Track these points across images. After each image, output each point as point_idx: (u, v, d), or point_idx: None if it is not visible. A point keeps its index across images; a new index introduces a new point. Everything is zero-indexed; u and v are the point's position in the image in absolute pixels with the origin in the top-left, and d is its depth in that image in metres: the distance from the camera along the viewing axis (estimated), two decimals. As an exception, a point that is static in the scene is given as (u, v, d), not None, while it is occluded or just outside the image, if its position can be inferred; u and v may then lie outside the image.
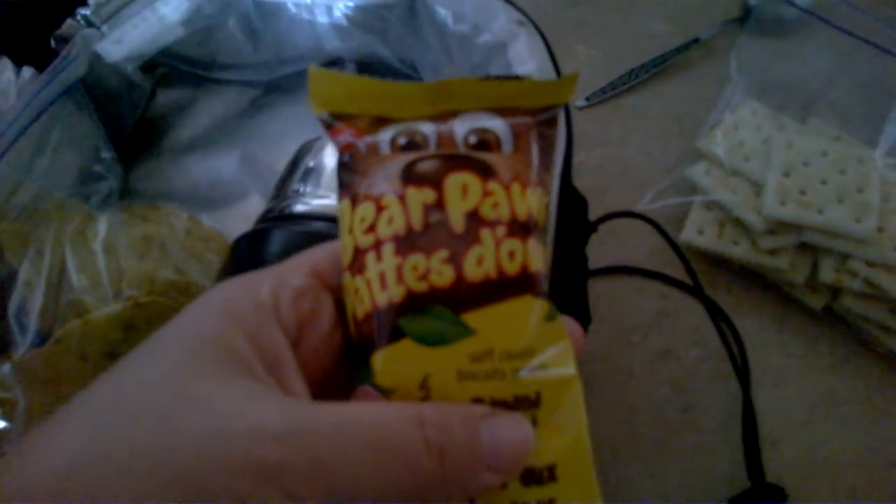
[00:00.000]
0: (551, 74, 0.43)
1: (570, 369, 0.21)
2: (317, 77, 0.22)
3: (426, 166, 0.21)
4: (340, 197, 0.23)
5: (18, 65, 0.48)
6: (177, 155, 0.53)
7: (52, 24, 0.48)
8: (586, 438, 0.21)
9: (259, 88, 0.57)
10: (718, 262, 0.57)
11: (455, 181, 0.21)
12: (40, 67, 0.47)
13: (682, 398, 0.51)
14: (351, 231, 0.22)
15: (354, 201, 0.22)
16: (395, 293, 0.21)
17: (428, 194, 0.21)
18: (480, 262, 0.21)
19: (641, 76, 0.68)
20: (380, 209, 0.21)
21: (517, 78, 0.23)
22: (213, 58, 0.55)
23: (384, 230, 0.21)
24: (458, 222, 0.21)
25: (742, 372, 0.51)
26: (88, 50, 0.48)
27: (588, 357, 0.52)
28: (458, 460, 0.19)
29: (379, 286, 0.21)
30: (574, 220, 0.43)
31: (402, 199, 0.21)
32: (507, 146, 0.22)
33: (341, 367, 0.24)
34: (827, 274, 0.52)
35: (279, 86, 0.56)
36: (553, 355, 0.21)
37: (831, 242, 0.51)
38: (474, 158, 0.22)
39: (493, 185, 0.21)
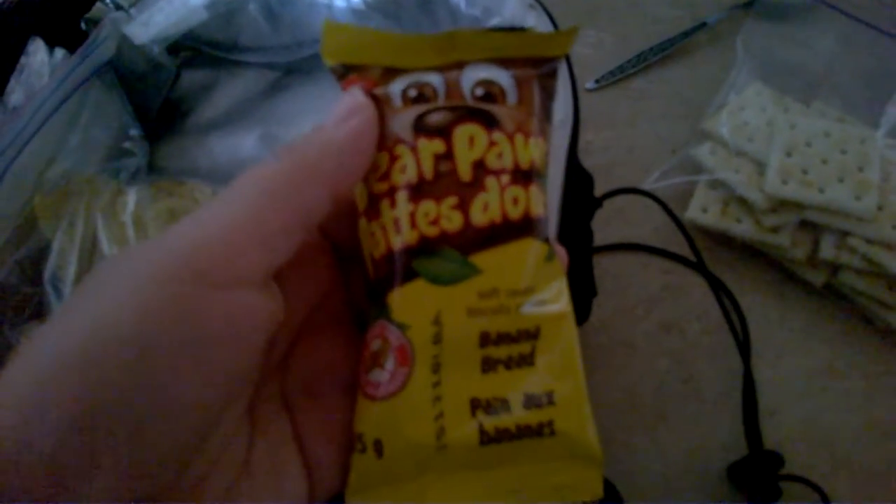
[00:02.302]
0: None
1: (564, 305, 0.23)
2: (330, 29, 0.23)
3: (436, 118, 0.23)
4: None
5: (51, 46, 0.50)
6: (200, 134, 0.55)
7: (82, 8, 0.50)
8: (579, 367, 0.23)
9: (279, 70, 0.58)
10: (722, 240, 0.58)
11: (462, 132, 0.23)
12: (71, 49, 0.49)
13: (683, 370, 0.53)
14: (366, 179, 0.23)
15: None
16: (409, 237, 0.22)
17: (438, 145, 0.23)
18: (486, 208, 0.22)
19: (649, 59, 0.69)
20: (393, 158, 0.23)
21: (520, 29, 0.24)
22: (234, 40, 0.57)
23: (398, 178, 0.23)
24: (465, 171, 0.23)
25: (743, 345, 0.52)
26: (117, 32, 0.50)
27: (593, 329, 0.54)
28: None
29: (394, 230, 0.22)
30: (580, 196, 0.45)
31: (414, 149, 0.23)
32: (512, 97, 0.23)
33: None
34: (827, 251, 0.53)
35: (298, 68, 0.58)
36: (551, 293, 0.23)
37: (832, 220, 0.53)
38: (480, 110, 0.23)
39: (497, 136, 0.23)
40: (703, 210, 0.57)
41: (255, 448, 0.22)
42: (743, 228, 0.56)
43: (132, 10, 0.51)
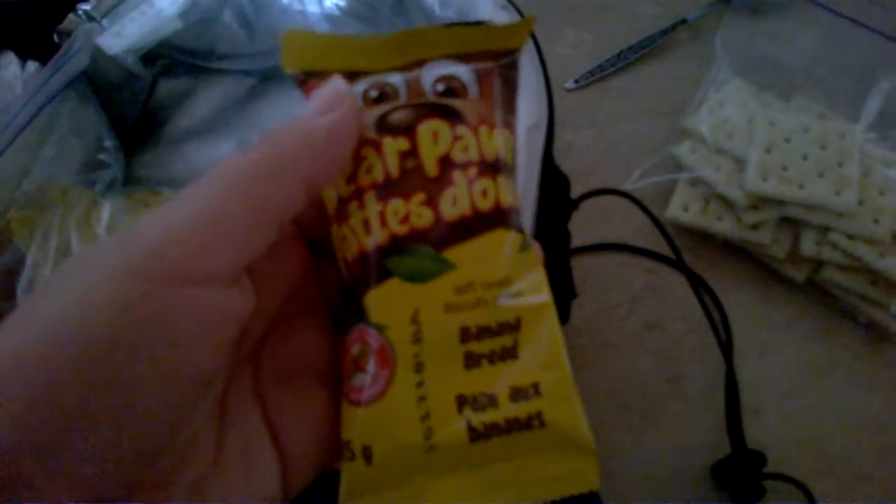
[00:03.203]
0: (534, 56, 0.44)
1: (544, 296, 0.23)
2: (289, 37, 0.23)
3: (398, 116, 0.23)
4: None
5: (23, 59, 0.50)
6: (177, 143, 0.55)
7: (54, 20, 0.50)
8: (564, 357, 0.23)
9: (256, 77, 0.58)
10: (703, 238, 0.58)
11: (426, 128, 0.23)
12: (44, 61, 0.49)
13: (666, 369, 0.53)
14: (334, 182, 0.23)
15: None
16: (380, 237, 0.22)
17: (402, 143, 0.23)
18: (455, 202, 0.22)
19: (629, 58, 0.69)
20: (359, 160, 0.23)
21: (477, 23, 0.24)
22: (210, 49, 0.57)
23: (364, 179, 0.23)
24: (431, 167, 0.22)
25: (725, 344, 0.52)
26: (90, 43, 0.50)
27: (575, 330, 0.54)
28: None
29: (364, 231, 0.22)
30: (556, 198, 0.45)
31: (378, 148, 0.23)
32: (473, 91, 0.24)
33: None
34: (808, 247, 0.53)
35: (275, 74, 0.58)
36: (528, 283, 0.23)
37: (812, 216, 0.52)
38: (442, 105, 0.23)
39: (461, 130, 0.23)
40: (683, 208, 0.57)
41: (225, 440, 0.21)
42: (724, 226, 0.56)
43: (105, 21, 0.51)
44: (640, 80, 0.69)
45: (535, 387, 0.22)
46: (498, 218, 0.23)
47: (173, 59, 0.57)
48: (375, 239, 0.22)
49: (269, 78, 0.57)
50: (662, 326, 0.55)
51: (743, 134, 0.57)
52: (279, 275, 0.23)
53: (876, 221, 0.51)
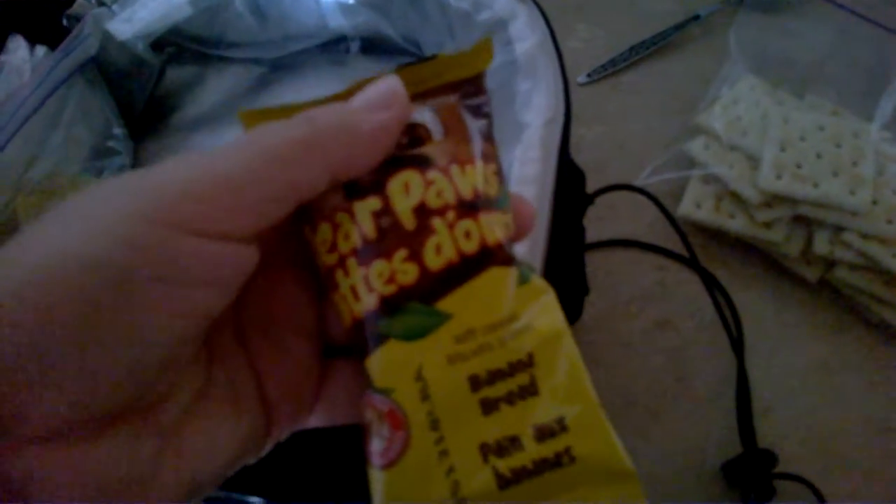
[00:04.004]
0: (551, 50, 0.44)
1: (556, 322, 0.22)
2: (247, 118, 0.23)
3: (366, 178, 0.22)
4: (300, 222, 0.23)
5: (32, 43, 0.49)
6: (185, 131, 0.54)
7: (63, 3, 0.50)
8: (587, 384, 0.22)
9: (266, 66, 0.57)
10: (716, 235, 0.58)
11: (396, 182, 0.22)
12: (53, 46, 0.48)
13: (677, 367, 0.52)
14: (316, 253, 0.23)
15: (312, 225, 0.23)
16: (369, 302, 0.22)
17: (373, 202, 0.22)
18: (439, 251, 0.22)
19: (642, 53, 0.68)
20: (335, 227, 0.22)
21: (430, 58, 0.23)
22: (220, 36, 0.56)
23: (343, 246, 0.22)
24: (408, 220, 0.22)
25: (737, 342, 0.52)
26: (99, 28, 0.49)
27: (586, 327, 0.54)
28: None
29: (353, 298, 0.22)
30: (572, 192, 0.44)
31: (350, 213, 0.22)
32: (437, 132, 0.23)
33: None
34: (822, 246, 0.53)
35: (285, 63, 0.57)
36: (536, 314, 0.22)
37: (826, 215, 0.52)
38: (409, 156, 0.22)
39: (433, 175, 0.22)
40: (696, 205, 0.57)
41: (213, 374, 0.22)
42: (736, 224, 0.55)
43: (115, 6, 0.50)
44: (652, 75, 0.69)
45: (560, 422, 0.21)
46: (486, 257, 0.22)
47: (183, 46, 0.57)
48: (365, 305, 0.22)
49: (279, 67, 0.57)
50: (673, 324, 0.54)
51: (757, 131, 0.56)
52: (268, 234, 0.23)
53: (890, 221, 0.51)
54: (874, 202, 0.51)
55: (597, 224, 0.57)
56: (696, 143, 0.58)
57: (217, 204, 0.19)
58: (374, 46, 0.56)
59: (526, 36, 0.44)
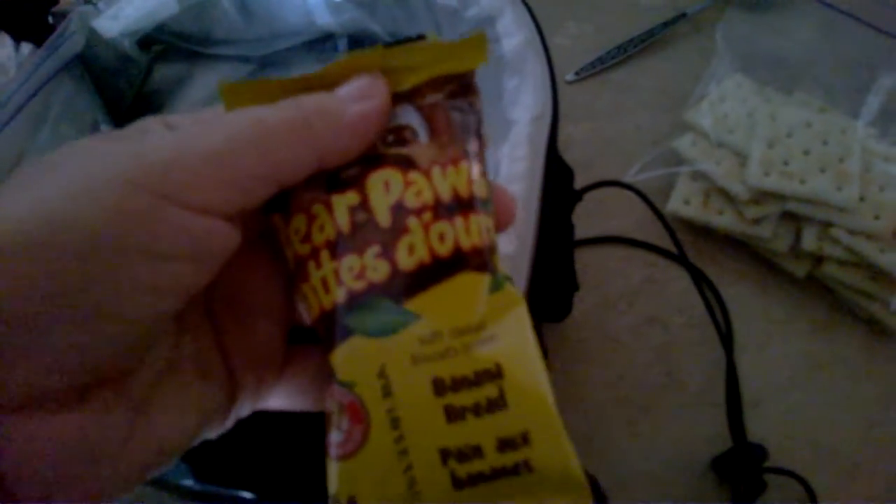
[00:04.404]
0: (538, 47, 0.44)
1: (526, 337, 0.22)
2: (227, 91, 0.22)
3: (348, 172, 0.22)
4: (268, 212, 0.23)
5: (17, 41, 0.49)
6: (173, 129, 0.54)
7: (49, 1, 0.49)
8: (550, 400, 0.22)
9: (253, 63, 0.57)
10: (704, 232, 0.58)
11: (376, 179, 0.22)
12: (38, 43, 0.48)
13: (666, 363, 0.53)
14: (288, 243, 0.23)
15: (286, 214, 0.23)
16: (338, 295, 0.22)
17: (352, 197, 0.22)
18: (412, 251, 0.21)
19: (630, 51, 0.69)
20: (311, 219, 0.22)
21: (419, 38, 0.23)
22: (207, 34, 0.56)
23: (317, 238, 0.22)
24: (384, 217, 0.22)
25: (726, 337, 0.52)
26: (85, 26, 0.49)
27: (576, 324, 0.54)
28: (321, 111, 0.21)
29: (323, 291, 0.22)
30: (560, 189, 0.44)
31: (328, 205, 0.22)
32: (423, 136, 0.23)
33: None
34: (809, 242, 0.53)
35: (273, 61, 0.57)
36: (505, 327, 0.22)
37: (813, 211, 0.52)
38: (393, 155, 0.22)
39: (413, 175, 0.22)
40: (684, 202, 0.57)
41: (182, 346, 0.22)
42: (725, 220, 0.55)
43: (100, 4, 0.50)
44: (640, 73, 0.69)
45: (524, 436, 0.21)
46: (459, 261, 0.22)
47: (170, 43, 0.56)
48: (333, 297, 0.22)
49: (267, 64, 0.57)
50: (662, 320, 0.54)
51: (744, 129, 0.56)
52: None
53: (877, 217, 0.51)
54: (861, 198, 0.52)
55: (586, 221, 0.57)
56: (684, 140, 0.59)
57: (204, 177, 0.19)
58: (360, 44, 0.56)
59: (513, 32, 0.44)
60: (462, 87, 0.23)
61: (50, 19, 0.49)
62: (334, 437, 0.22)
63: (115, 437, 0.19)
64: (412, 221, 0.22)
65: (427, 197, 0.22)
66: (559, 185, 0.44)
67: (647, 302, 0.55)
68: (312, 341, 0.24)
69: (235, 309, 0.24)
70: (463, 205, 0.22)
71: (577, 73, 0.67)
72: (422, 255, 0.22)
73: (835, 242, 0.52)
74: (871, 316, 0.53)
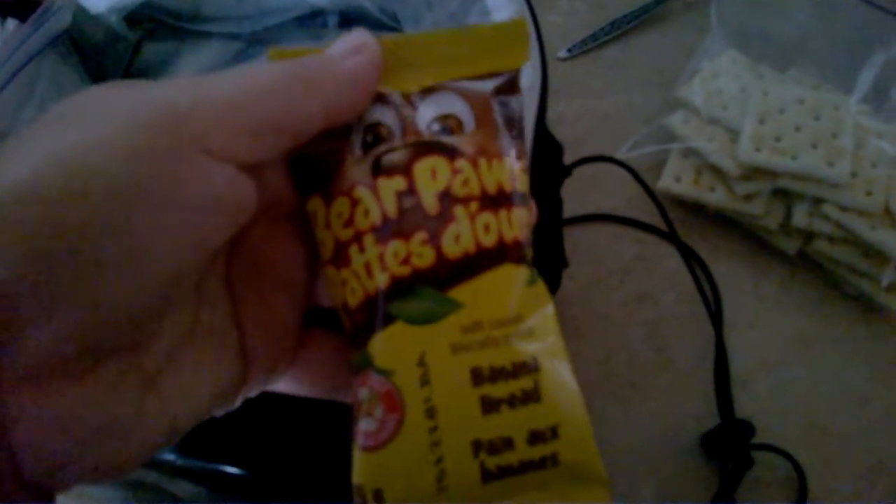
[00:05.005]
0: (528, 21, 0.43)
1: (556, 332, 0.23)
2: (274, 56, 0.23)
3: (394, 157, 0.22)
4: (308, 194, 0.23)
5: (2, 16, 0.49)
6: (162, 107, 0.54)
7: (34, -24, 0.49)
8: (580, 395, 0.22)
9: (243, 40, 0.57)
10: (695, 209, 0.58)
11: (423, 166, 0.22)
12: (24, 19, 0.47)
13: (656, 340, 0.53)
14: (328, 226, 0.23)
15: (327, 198, 0.23)
16: (381, 280, 0.21)
17: (399, 182, 0.22)
18: (458, 240, 0.22)
19: (623, 27, 0.68)
20: (354, 202, 0.22)
21: (464, 29, 0.23)
22: (196, 10, 0.55)
23: (362, 222, 0.22)
24: (431, 204, 0.22)
25: (715, 314, 0.52)
26: (72, 1, 0.48)
27: (566, 301, 0.54)
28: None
29: (366, 276, 0.22)
30: (549, 164, 0.44)
31: (374, 190, 0.22)
32: (469, 125, 0.23)
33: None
34: (800, 219, 0.53)
35: (262, 38, 0.57)
36: (540, 321, 0.22)
37: (805, 187, 0.52)
38: (439, 143, 0.22)
39: (460, 164, 0.22)
40: (676, 179, 0.57)
41: (199, 319, 0.22)
42: (716, 197, 0.55)
43: (87, -22, 0.49)
44: (633, 49, 0.68)
45: (554, 430, 0.22)
46: (502, 253, 0.22)
47: (158, 20, 0.56)
48: (377, 283, 0.22)
49: (256, 41, 0.56)
50: (653, 297, 0.54)
51: (736, 105, 0.56)
52: (266, 180, 0.23)
53: (868, 193, 0.51)
54: (853, 174, 0.52)
55: (577, 199, 0.57)
56: (675, 116, 0.58)
57: (222, 122, 0.19)
58: (351, 20, 0.56)
59: (503, 6, 0.43)
60: (508, 83, 0.24)
61: (35, -6, 0.48)
62: (365, 425, 0.22)
63: (127, 413, 0.19)
64: (459, 210, 0.22)
65: (474, 187, 0.22)
66: (548, 160, 0.44)
67: (638, 279, 0.55)
68: (327, 327, 0.24)
69: (256, 284, 0.24)
70: (506, 198, 0.22)
71: (569, 50, 0.67)
72: (467, 244, 0.22)
73: (826, 219, 0.52)
74: (862, 293, 0.53)
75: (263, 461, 0.33)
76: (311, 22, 0.57)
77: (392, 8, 0.54)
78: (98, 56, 0.52)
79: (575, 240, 0.56)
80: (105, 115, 0.18)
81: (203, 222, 0.19)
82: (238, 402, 0.24)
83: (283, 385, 0.25)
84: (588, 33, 0.68)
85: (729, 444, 0.47)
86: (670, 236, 0.51)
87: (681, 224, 0.56)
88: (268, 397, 0.28)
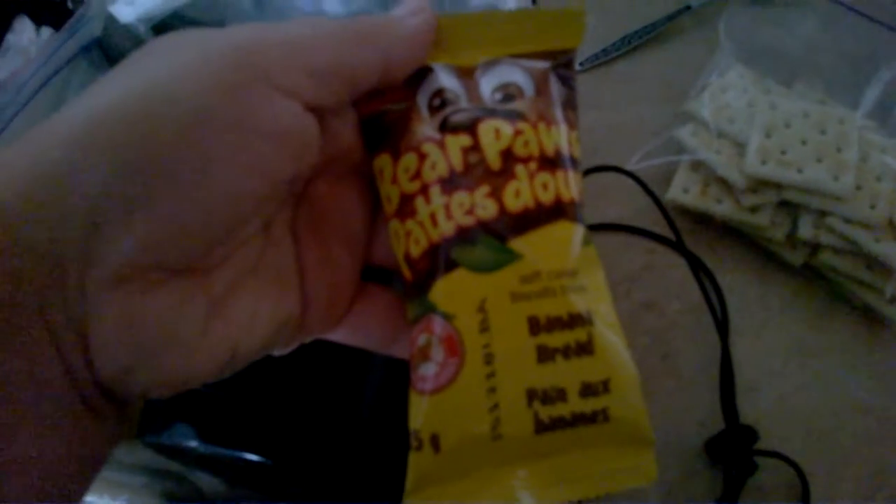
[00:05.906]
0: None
1: (607, 292, 0.24)
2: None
3: (460, 117, 0.23)
4: (376, 152, 0.24)
5: (37, 24, 0.51)
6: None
7: (68, -14, 0.51)
8: (630, 355, 0.24)
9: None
10: (703, 220, 0.59)
11: (487, 126, 0.23)
12: (58, 27, 0.49)
13: (662, 347, 0.54)
14: (395, 181, 0.24)
15: (395, 154, 0.24)
16: (447, 228, 0.23)
17: (464, 139, 0.23)
18: (518, 195, 0.23)
19: (634, 42, 0.70)
20: (422, 157, 0.23)
21: (523, 11, 0.25)
22: (220, 21, 0.57)
23: (429, 175, 0.23)
24: (494, 161, 0.23)
25: (721, 323, 0.53)
26: (103, 10, 0.50)
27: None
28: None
29: (431, 224, 0.23)
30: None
31: (441, 145, 0.23)
32: (529, 91, 0.24)
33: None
34: (806, 230, 0.54)
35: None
36: (592, 279, 0.24)
37: (810, 200, 0.53)
38: (502, 109, 0.24)
39: (521, 126, 0.23)
40: (684, 190, 0.58)
41: (265, 256, 0.23)
42: (723, 208, 0.56)
43: (118, -11, 0.51)
44: (644, 64, 0.70)
45: (605, 384, 0.22)
46: (559, 210, 0.23)
47: (183, 31, 0.58)
48: (442, 231, 0.23)
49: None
50: (659, 306, 0.55)
51: (744, 119, 0.57)
52: (335, 132, 0.24)
53: (872, 206, 0.52)
54: (858, 187, 0.53)
55: (588, 209, 0.57)
56: (684, 129, 0.60)
57: (289, 61, 0.21)
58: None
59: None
60: (565, 61, 0.26)
61: (69, 4, 0.50)
62: (425, 369, 0.22)
63: (193, 330, 0.20)
64: (519, 168, 0.23)
65: (533, 148, 0.23)
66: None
67: (645, 288, 0.56)
68: (383, 283, 0.26)
69: (319, 233, 0.25)
70: (562, 161, 0.24)
71: (581, 64, 0.69)
72: (527, 199, 0.23)
73: (831, 231, 0.53)
74: (866, 304, 0.54)
75: (282, 449, 0.34)
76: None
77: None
78: (126, 64, 0.54)
79: (584, 248, 0.58)
80: (179, 53, 0.20)
81: (269, 151, 0.20)
82: (294, 345, 0.25)
83: (338, 335, 0.26)
84: (600, 48, 0.70)
85: (733, 450, 0.48)
86: (678, 246, 0.52)
87: (688, 234, 0.57)
88: (287, 385, 0.29)
